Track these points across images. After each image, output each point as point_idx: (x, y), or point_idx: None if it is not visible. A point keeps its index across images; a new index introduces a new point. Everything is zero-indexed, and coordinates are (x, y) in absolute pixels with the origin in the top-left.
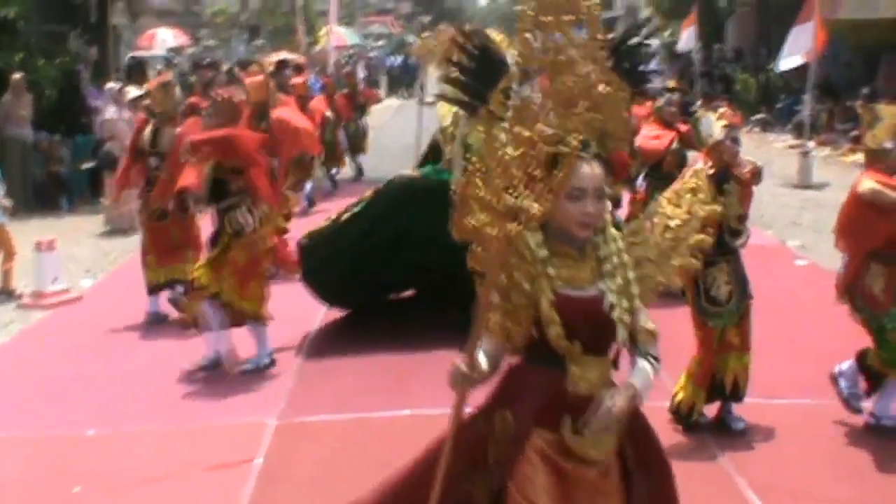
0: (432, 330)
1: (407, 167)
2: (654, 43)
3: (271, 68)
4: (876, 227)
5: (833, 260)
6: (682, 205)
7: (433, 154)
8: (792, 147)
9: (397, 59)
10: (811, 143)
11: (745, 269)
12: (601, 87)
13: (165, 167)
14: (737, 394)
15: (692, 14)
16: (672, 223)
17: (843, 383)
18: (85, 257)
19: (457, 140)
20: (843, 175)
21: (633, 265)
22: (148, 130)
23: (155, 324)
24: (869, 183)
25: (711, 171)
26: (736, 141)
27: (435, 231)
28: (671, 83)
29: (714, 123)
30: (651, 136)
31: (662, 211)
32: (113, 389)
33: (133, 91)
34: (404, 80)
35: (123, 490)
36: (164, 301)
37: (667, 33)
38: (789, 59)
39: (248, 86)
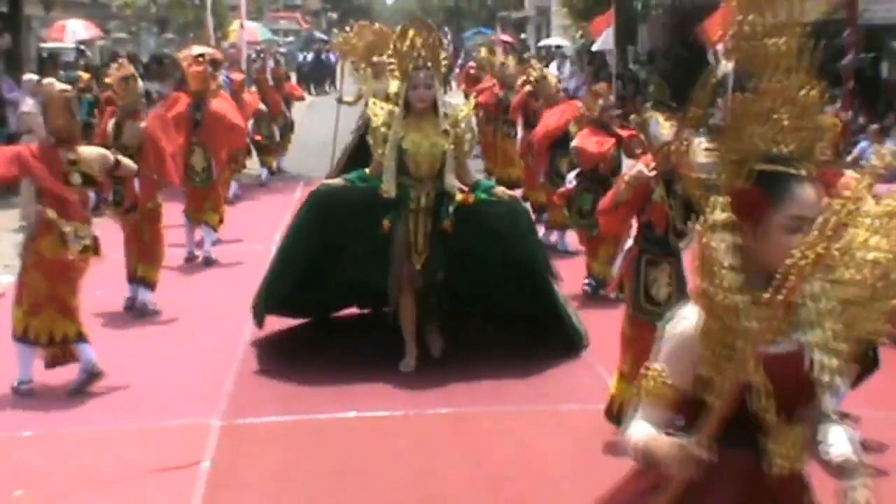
0: (372, 330)
1: (325, 165)
2: (567, 44)
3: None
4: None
5: None
6: (889, 234)
7: (360, 155)
8: (709, 149)
9: (307, 55)
10: None
11: (686, 272)
12: (805, 91)
13: (143, 163)
14: None
15: (606, 15)
16: (881, 256)
17: None
18: (4, 253)
19: (390, 143)
20: None
21: (838, 311)
22: (111, 123)
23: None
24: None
25: (654, 173)
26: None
27: (369, 243)
28: (600, 87)
29: (662, 124)
30: (594, 141)
31: (860, 240)
32: (46, 388)
33: (57, 85)
34: (315, 76)
35: (68, 494)
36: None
37: (578, 34)
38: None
39: (188, 76)
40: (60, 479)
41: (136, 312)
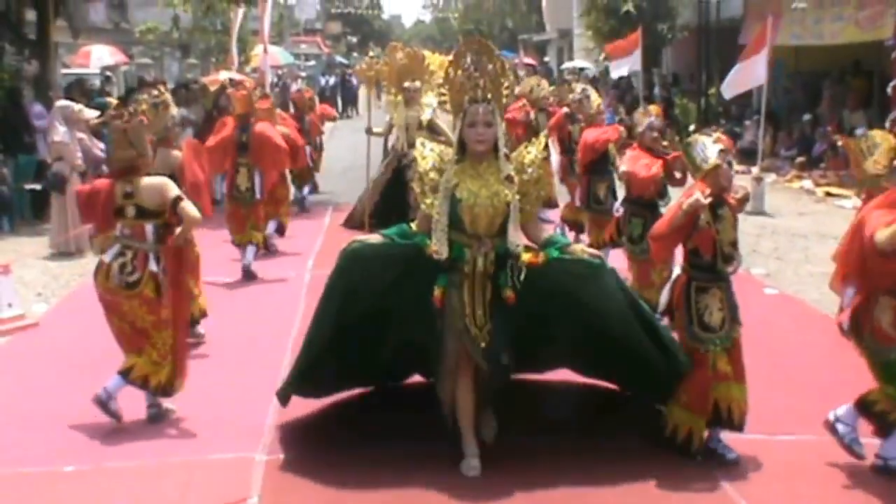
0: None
1: (351, 190)
2: (590, 67)
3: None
4: (890, 269)
5: (796, 288)
6: None
7: (395, 192)
8: (737, 173)
9: (329, 79)
10: (755, 169)
11: (735, 296)
12: None
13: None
14: (732, 422)
15: (627, 39)
16: None
17: (841, 429)
18: (35, 281)
19: (441, 193)
20: (792, 201)
21: None
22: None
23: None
24: (885, 233)
25: (709, 199)
26: (731, 165)
27: (412, 312)
28: (652, 108)
29: (709, 147)
30: (643, 164)
31: None
32: (85, 422)
33: (87, 112)
34: (337, 99)
35: None
36: None
37: (602, 57)
38: (733, 88)
39: (233, 99)
40: None
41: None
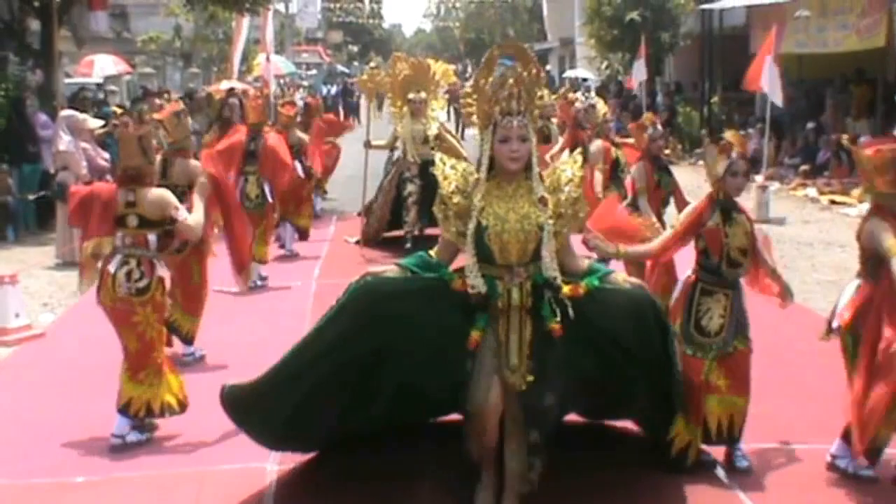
0: None
1: (354, 200)
2: (592, 77)
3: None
4: None
5: (804, 296)
6: None
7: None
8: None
9: (332, 88)
10: (759, 178)
11: (747, 313)
12: None
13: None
14: (722, 437)
15: (639, 48)
16: None
17: (842, 464)
18: (40, 291)
19: (472, 220)
20: (797, 209)
21: None
22: (157, 160)
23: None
24: None
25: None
26: (743, 173)
27: (432, 352)
28: (647, 117)
29: (717, 157)
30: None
31: None
32: (94, 432)
33: (91, 122)
34: (339, 109)
35: None
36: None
37: (604, 65)
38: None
39: (248, 108)
40: None
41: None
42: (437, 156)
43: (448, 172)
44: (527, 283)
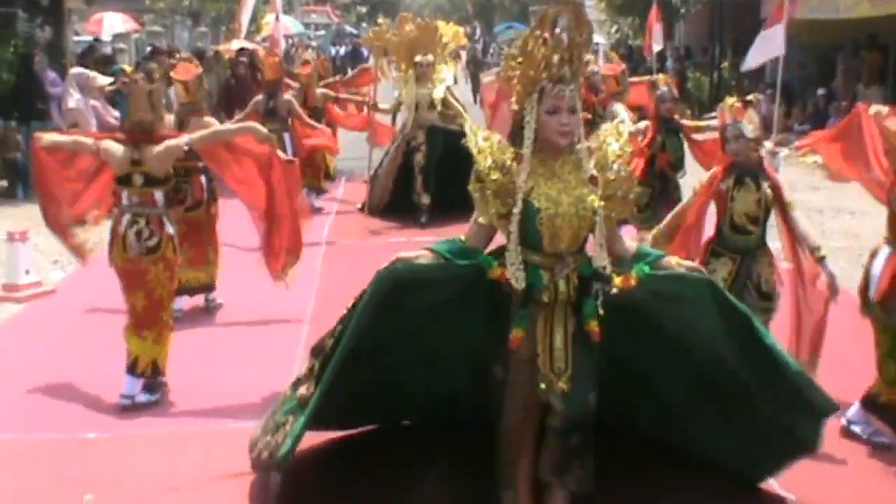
0: None
1: (360, 163)
2: (602, 41)
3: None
4: None
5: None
6: None
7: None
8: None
9: (341, 49)
10: (769, 143)
11: (769, 282)
12: None
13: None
14: None
15: (652, 12)
16: None
17: (857, 429)
18: (50, 248)
19: (516, 202)
20: (806, 175)
21: None
22: (171, 119)
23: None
24: None
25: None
26: (748, 136)
27: (459, 346)
28: (661, 78)
29: (746, 122)
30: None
31: None
32: (105, 389)
33: (100, 79)
34: (348, 70)
35: (139, 500)
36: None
37: (614, 29)
38: (754, 60)
39: (267, 64)
40: (130, 483)
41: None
42: (469, 126)
43: (482, 145)
44: (574, 276)
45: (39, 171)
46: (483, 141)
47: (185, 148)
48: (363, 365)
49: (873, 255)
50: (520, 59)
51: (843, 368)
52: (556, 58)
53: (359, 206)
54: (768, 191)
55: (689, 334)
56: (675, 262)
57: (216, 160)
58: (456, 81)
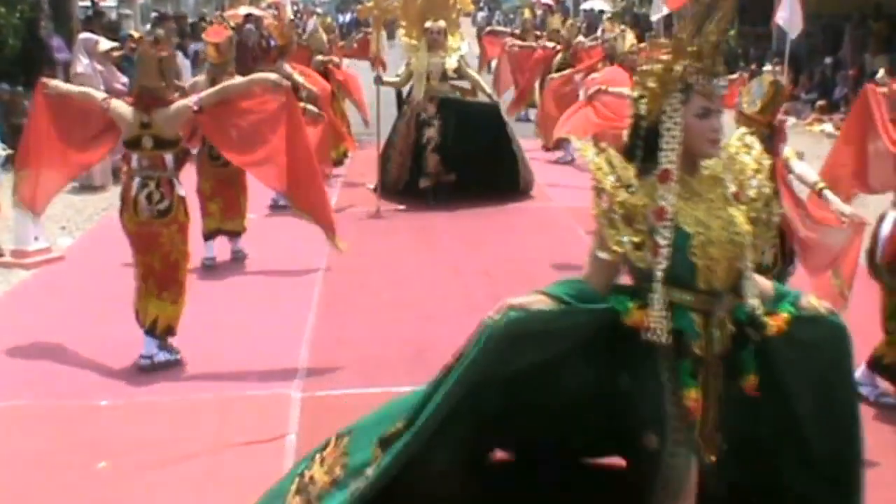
0: (450, 300)
1: (368, 131)
2: (608, 9)
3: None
4: None
5: None
6: None
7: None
8: None
9: (345, 17)
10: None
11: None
12: None
13: None
14: None
15: None
16: None
17: (864, 391)
18: (58, 214)
19: (660, 230)
20: (813, 145)
21: None
22: (202, 80)
23: (210, 269)
24: None
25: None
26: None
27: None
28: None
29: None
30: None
31: None
32: (116, 355)
33: (105, 43)
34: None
35: (154, 467)
36: (218, 244)
37: None
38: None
39: (275, 30)
40: (143, 450)
41: (236, 259)
42: (583, 147)
43: (597, 160)
44: (727, 320)
45: (35, 117)
46: (598, 156)
47: (195, 108)
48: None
49: (881, 219)
50: (669, 50)
51: (857, 336)
52: (707, 46)
53: (370, 186)
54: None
55: (811, 388)
56: (816, 303)
57: (214, 127)
58: (481, 49)
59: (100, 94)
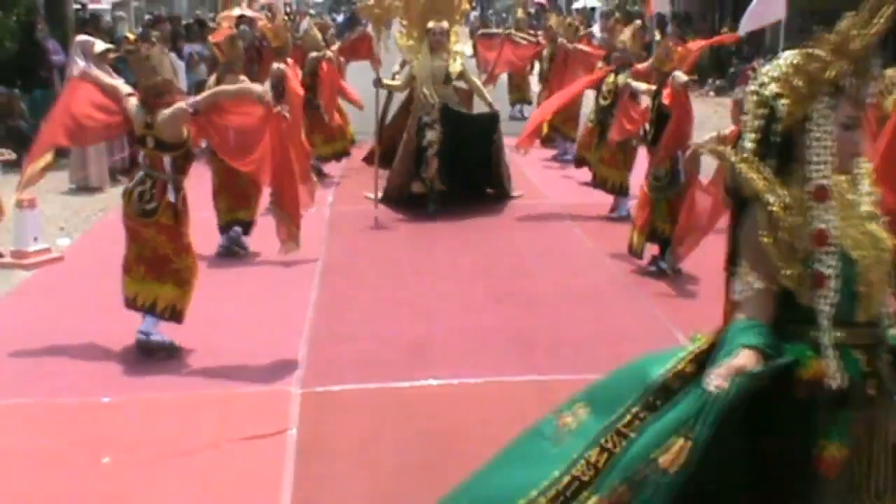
0: (448, 297)
1: (364, 128)
2: (599, 6)
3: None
4: None
5: None
6: None
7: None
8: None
9: (338, 16)
10: None
11: None
12: None
13: None
14: None
15: None
16: None
17: None
18: (56, 216)
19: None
20: None
21: None
22: (212, 79)
23: (227, 256)
24: None
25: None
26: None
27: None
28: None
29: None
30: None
31: None
32: (118, 354)
33: (100, 45)
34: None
35: (156, 462)
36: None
37: None
38: (752, 22)
39: (270, 31)
40: (145, 446)
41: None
42: (729, 150)
43: (748, 170)
44: (885, 355)
45: (68, 95)
46: (743, 163)
47: (191, 111)
48: None
49: None
50: (826, 45)
51: None
52: (859, 54)
53: (368, 195)
54: None
55: None
56: None
57: (212, 130)
58: (475, 52)
59: (123, 90)
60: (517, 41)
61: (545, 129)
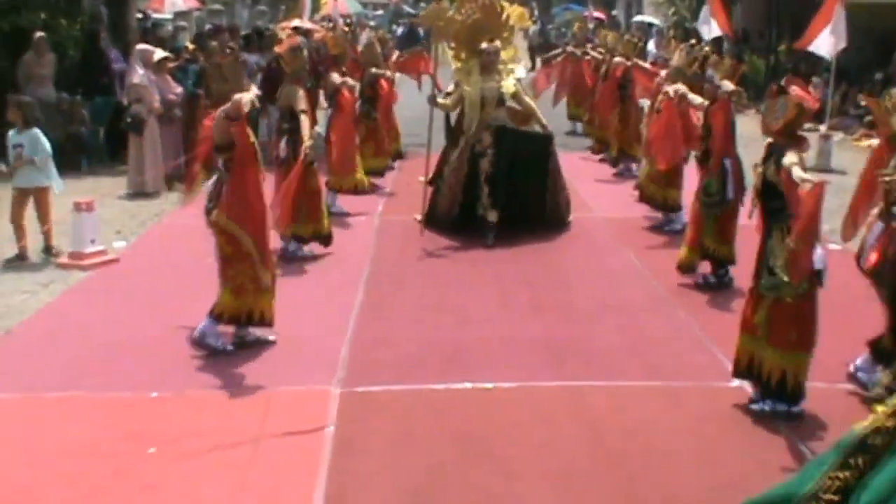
0: (489, 305)
1: (418, 140)
2: (658, 22)
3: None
4: None
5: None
6: None
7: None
8: (806, 131)
9: (398, 29)
10: (823, 127)
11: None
12: None
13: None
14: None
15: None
16: None
17: (863, 377)
18: (113, 219)
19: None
20: (860, 160)
21: None
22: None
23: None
24: None
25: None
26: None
27: None
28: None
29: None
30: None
31: None
32: (167, 351)
33: (159, 53)
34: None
35: (200, 455)
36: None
37: (671, 11)
38: (822, 51)
39: (329, 39)
40: (190, 439)
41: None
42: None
43: None
44: None
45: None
46: None
47: (223, 116)
48: None
49: (870, 226)
50: None
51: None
52: None
53: (417, 217)
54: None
55: None
56: None
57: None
58: (533, 67)
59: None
60: (643, 67)
61: (615, 151)
